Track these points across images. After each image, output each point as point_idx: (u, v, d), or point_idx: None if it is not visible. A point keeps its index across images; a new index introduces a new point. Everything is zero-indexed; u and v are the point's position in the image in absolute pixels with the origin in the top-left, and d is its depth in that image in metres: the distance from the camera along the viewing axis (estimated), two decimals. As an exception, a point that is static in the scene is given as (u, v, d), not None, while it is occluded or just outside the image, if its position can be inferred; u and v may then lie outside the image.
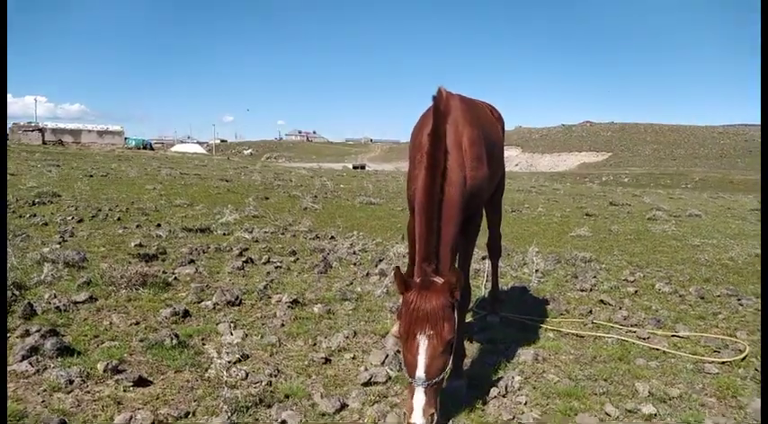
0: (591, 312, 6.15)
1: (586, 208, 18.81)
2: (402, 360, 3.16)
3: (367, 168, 64.91)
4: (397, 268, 3.19)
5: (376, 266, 7.72)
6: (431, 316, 2.98)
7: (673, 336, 5.41)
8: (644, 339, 5.28)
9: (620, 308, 6.34)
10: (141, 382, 3.53)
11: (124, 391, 3.41)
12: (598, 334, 5.36)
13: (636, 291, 7.26)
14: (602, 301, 6.63)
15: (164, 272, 6.32)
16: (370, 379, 3.88)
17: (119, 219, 10.19)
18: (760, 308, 6.43)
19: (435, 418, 3.01)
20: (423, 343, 2.98)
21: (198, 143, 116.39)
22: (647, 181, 59.19)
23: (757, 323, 5.91)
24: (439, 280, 3.16)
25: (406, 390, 3.12)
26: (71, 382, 3.39)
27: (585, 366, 4.55)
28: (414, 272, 3.35)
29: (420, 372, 2.97)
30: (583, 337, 5.30)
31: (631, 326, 5.70)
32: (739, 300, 6.91)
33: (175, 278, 6.23)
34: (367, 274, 7.22)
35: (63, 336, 4.07)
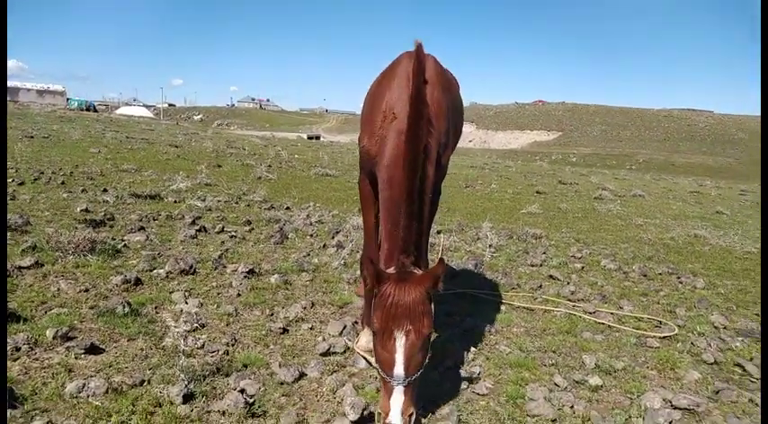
0: (541, 286, 6.35)
1: (537, 186, 19.27)
2: (376, 357, 2.89)
3: (322, 139, 64.19)
4: (370, 259, 2.93)
5: (333, 238, 7.70)
6: (410, 311, 2.75)
7: (617, 311, 5.66)
8: (590, 313, 5.51)
9: (568, 283, 6.57)
10: (93, 349, 3.43)
11: (75, 358, 3.31)
12: (548, 308, 5.56)
13: (583, 267, 7.53)
14: (551, 276, 6.85)
15: (113, 239, 6.10)
16: (329, 349, 3.90)
17: (62, 183, 9.73)
18: (760, 309, 6.78)
19: (413, 417, 2.81)
20: (401, 340, 2.75)
21: (145, 106, 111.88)
22: (594, 161, 61.02)
23: (695, 300, 6.25)
24: (416, 271, 2.96)
25: (381, 388, 2.88)
26: (18, 349, 3.26)
27: (536, 338, 4.72)
28: (384, 258, 3.10)
29: (399, 370, 2.76)
30: (533, 310, 5.48)
31: (578, 301, 5.93)
32: (679, 278, 7.28)
33: (125, 246, 6.04)
34: (324, 245, 7.20)
35: (8, 302, 3.89)
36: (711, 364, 4.43)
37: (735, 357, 4.54)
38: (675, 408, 3.51)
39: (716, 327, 5.36)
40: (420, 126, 2.98)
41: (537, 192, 17.40)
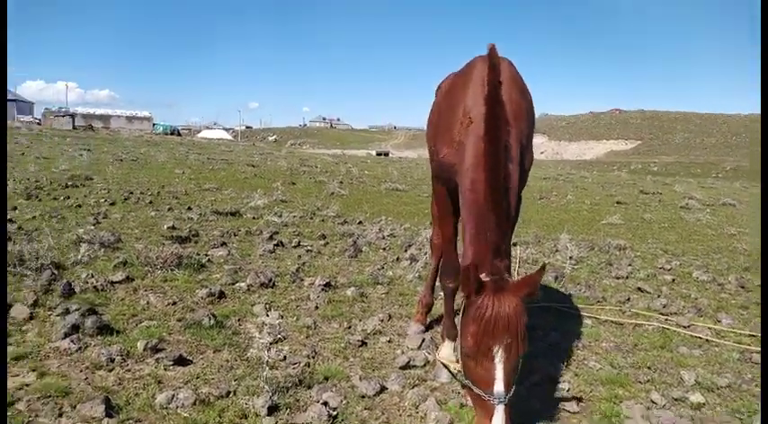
0: (629, 299, 6.01)
1: (617, 197, 18.46)
2: (470, 374, 2.68)
3: (390, 155, 64.74)
4: (474, 265, 2.68)
5: (405, 251, 7.66)
6: (510, 323, 2.55)
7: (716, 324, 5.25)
8: (685, 327, 5.14)
9: (659, 296, 6.18)
10: (181, 361, 3.53)
11: (164, 369, 3.42)
12: (638, 322, 5.23)
13: (673, 279, 7.08)
14: (639, 289, 6.48)
15: (197, 254, 6.35)
16: (408, 362, 3.83)
17: (150, 202, 10.29)
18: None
19: None
20: (501, 354, 2.55)
21: (224, 129, 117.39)
22: (676, 170, 57.94)
23: (804, 314, 5.70)
24: (510, 279, 2.75)
25: (476, 409, 2.70)
26: (112, 360, 3.40)
27: (627, 353, 4.44)
28: (470, 264, 2.83)
29: (499, 386, 2.56)
30: (622, 325, 5.18)
31: (671, 314, 5.55)
32: (783, 290, 6.68)
33: (209, 260, 6.26)
34: (397, 259, 7.17)
35: (102, 315, 4.09)
36: (831, 384, 3.99)
37: None
38: (793, 432, 3.16)
39: (833, 343, 4.84)
40: (498, 126, 2.87)
41: (617, 203, 16.66)
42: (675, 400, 3.61)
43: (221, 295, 5.00)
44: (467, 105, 3.31)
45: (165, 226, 7.95)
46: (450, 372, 3.55)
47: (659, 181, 32.85)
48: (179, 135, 74.67)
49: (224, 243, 7.21)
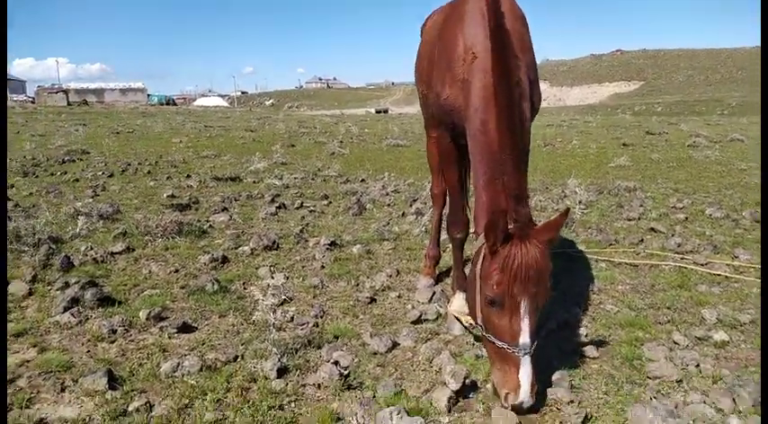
0: (642, 241, 5.85)
1: (623, 139, 18.12)
2: (493, 327, 2.56)
3: (390, 112, 63.93)
4: (503, 212, 2.52)
5: (410, 206, 7.51)
6: (536, 272, 2.44)
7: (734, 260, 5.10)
8: (703, 265, 4.99)
9: (673, 235, 6.02)
10: (186, 328, 3.42)
11: (169, 338, 3.31)
12: (654, 262, 5.09)
13: (686, 218, 6.91)
14: (652, 229, 6.31)
15: (198, 221, 6.21)
16: (420, 317, 3.72)
17: (148, 172, 10.13)
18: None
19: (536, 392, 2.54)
20: (527, 305, 2.46)
21: (219, 96, 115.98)
22: (681, 109, 57.05)
23: (824, 244, 5.54)
24: (534, 225, 2.62)
25: (497, 363, 2.59)
26: (114, 331, 3.30)
27: (645, 295, 4.31)
28: (486, 212, 2.71)
29: (525, 338, 2.47)
30: (637, 266, 5.04)
31: (687, 253, 5.40)
32: (800, 222, 6.50)
33: (210, 226, 6.12)
34: (403, 214, 7.01)
35: (102, 287, 3.97)
36: None
37: None
38: (823, 364, 3.04)
39: None
40: (507, 59, 2.63)
41: (623, 145, 16.34)
42: (698, 339, 3.49)
43: (224, 259, 4.88)
44: (467, 39, 3.05)
45: (165, 195, 7.80)
46: (462, 325, 3.44)
47: (664, 120, 32.30)
48: (174, 104, 73.92)
49: (225, 209, 7.07)
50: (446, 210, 4.61)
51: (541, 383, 2.72)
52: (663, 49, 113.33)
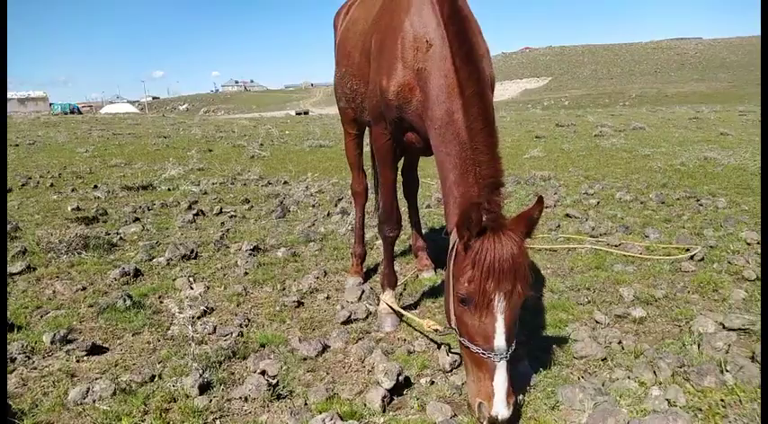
0: (559, 226, 6.07)
1: (535, 132, 18.84)
2: (466, 329, 2.37)
3: (310, 113, 63.35)
4: (478, 205, 2.29)
5: (335, 205, 7.41)
6: (513, 268, 2.24)
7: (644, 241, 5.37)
8: (616, 246, 5.22)
9: (587, 220, 6.28)
10: (96, 349, 3.15)
11: (77, 361, 3.03)
12: (571, 246, 5.27)
13: (598, 202, 7.24)
14: (567, 215, 6.56)
15: (107, 233, 5.81)
16: (350, 317, 3.63)
17: (51, 185, 9.40)
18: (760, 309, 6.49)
19: (513, 403, 2.33)
20: (502, 304, 2.25)
21: (129, 102, 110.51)
22: (586, 102, 60.28)
23: (720, 220, 5.97)
24: (507, 217, 2.43)
25: (471, 370, 2.39)
26: (13, 360, 2.97)
27: (565, 278, 4.44)
28: (460, 206, 2.51)
29: (500, 340, 2.25)
30: (556, 251, 5.20)
31: (601, 235, 5.64)
32: (699, 201, 6.98)
33: (121, 238, 5.74)
34: (328, 214, 6.90)
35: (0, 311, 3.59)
36: (753, 280, 4.16)
37: (778, 272, 4.26)
38: (730, 329, 3.24)
39: (748, 243, 5.08)
40: (468, 44, 2.54)
41: (536, 137, 16.99)
42: (618, 317, 3.62)
43: (137, 273, 4.57)
44: (417, 28, 2.85)
45: (69, 208, 7.25)
46: (396, 312, 3.39)
47: (572, 113, 33.92)
48: (80, 113, 69.46)
49: (137, 219, 6.66)
50: (370, 207, 4.56)
51: (520, 392, 2.60)
52: (567, 46, 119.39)
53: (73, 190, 8.82)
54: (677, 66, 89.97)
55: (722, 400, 2.56)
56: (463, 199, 2.53)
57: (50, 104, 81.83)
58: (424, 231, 5.30)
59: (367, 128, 4.43)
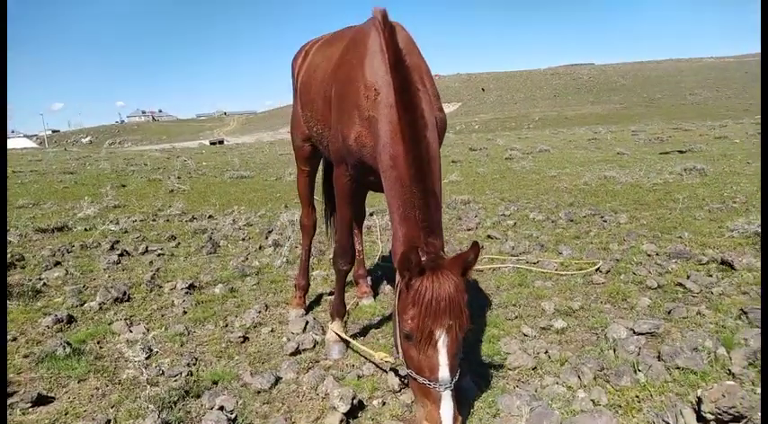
0: (483, 247, 6.48)
1: (450, 156, 19.66)
2: (412, 362, 2.53)
3: (226, 142, 62.17)
4: (416, 248, 2.49)
5: (266, 238, 7.47)
6: (452, 304, 2.41)
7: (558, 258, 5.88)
8: (534, 263, 5.69)
9: (507, 240, 6.75)
10: (41, 400, 3.08)
11: (23, 414, 2.96)
12: (495, 266, 5.67)
13: (515, 223, 7.77)
14: (489, 236, 7.02)
15: (29, 280, 5.56)
16: (298, 347, 3.76)
17: (-50, 231, 8.76)
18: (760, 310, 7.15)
19: None
20: (444, 338, 2.42)
21: (25, 136, 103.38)
22: (495, 126, 63.42)
23: (623, 234, 6.62)
24: (446, 258, 2.58)
25: (419, 399, 2.55)
26: (-49, 419, 2.86)
27: (493, 295, 4.80)
28: (403, 245, 2.66)
29: (444, 372, 2.43)
30: (482, 271, 5.58)
31: (520, 254, 6.10)
32: (603, 217, 7.69)
33: (44, 284, 5.51)
34: (260, 247, 6.96)
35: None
36: (656, 288, 4.70)
37: (674, 278, 4.84)
38: (639, 334, 3.68)
39: (649, 255, 5.69)
40: (410, 91, 2.69)
41: (452, 161, 17.77)
42: (543, 329, 4.00)
43: (70, 319, 4.45)
44: (368, 77, 3.03)
45: (-21, 255, 6.84)
46: (344, 341, 3.56)
47: (483, 137, 35.68)
48: (-31, 149, 64.21)
49: (58, 263, 6.40)
50: (319, 240, 4.72)
51: (464, 415, 2.75)
52: (474, 73, 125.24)
53: (-22, 236, 8.28)
54: (574, 90, 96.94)
55: (637, 396, 2.94)
56: (405, 240, 2.70)
57: (-69, 142, 74.97)
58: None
59: (320, 166, 4.65)
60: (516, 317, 4.26)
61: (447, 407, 2.43)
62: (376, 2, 3.14)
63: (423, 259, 2.50)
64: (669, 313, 4.09)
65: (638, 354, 3.39)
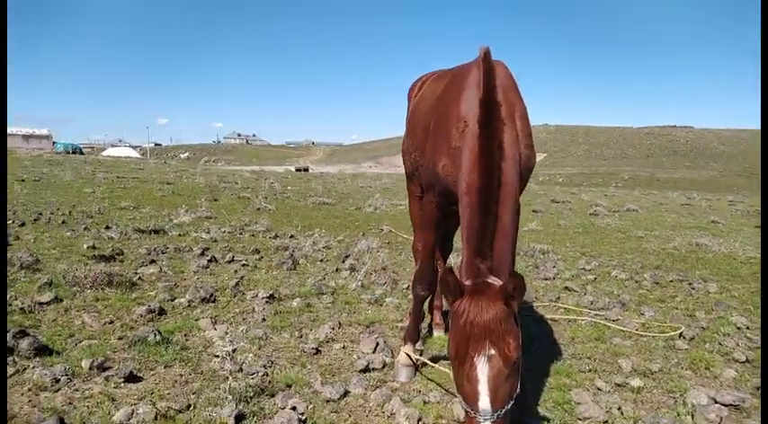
0: (559, 298, 6.35)
1: (532, 205, 19.40)
2: (457, 387, 2.47)
3: (310, 170, 64.37)
4: (451, 268, 2.49)
5: (343, 262, 7.68)
6: (491, 331, 2.33)
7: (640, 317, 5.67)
8: (614, 320, 5.51)
9: (585, 294, 6.58)
10: (132, 378, 3.36)
11: (115, 387, 3.24)
12: (571, 317, 5.55)
13: (595, 278, 7.56)
14: (567, 288, 6.86)
15: (126, 272, 6.04)
16: (367, 366, 3.86)
17: (63, 222, 9.65)
18: (760, 313, 6.80)
19: None
20: (484, 366, 2.33)
21: (131, 146, 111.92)
22: (580, 181, 61.72)
23: (711, 304, 6.28)
24: (495, 282, 2.52)
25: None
26: (57, 380, 3.18)
27: (567, 346, 4.70)
28: (461, 269, 2.68)
29: (484, 403, 2.31)
30: (557, 321, 5.47)
31: (599, 309, 5.92)
32: (691, 284, 7.32)
33: (140, 278, 5.97)
34: (337, 269, 7.17)
35: (36, 336, 3.81)
36: (743, 362, 4.43)
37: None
38: (722, 404, 3.49)
39: (738, 327, 5.37)
40: (492, 124, 2.72)
41: (534, 211, 17.53)
42: (617, 385, 3.87)
43: (161, 311, 4.80)
44: (461, 110, 3.15)
45: (85, 246, 7.49)
46: (414, 366, 3.61)
47: (566, 190, 34.85)
48: (82, 153, 70.29)
49: (153, 261, 6.91)
50: (393, 270, 4.84)
51: None
52: (563, 125, 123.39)
53: (85, 229, 9.06)
54: (669, 153, 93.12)
55: (714, 465, 2.80)
56: (462, 263, 2.70)
57: (53, 143, 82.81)
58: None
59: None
60: (590, 370, 4.15)
61: None
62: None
63: (468, 282, 2.49)
64: (758, 388, 3.84)
65: (720, 423, 3.22)
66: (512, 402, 2.41)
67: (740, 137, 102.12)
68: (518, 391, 2.48)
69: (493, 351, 2.33)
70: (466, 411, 2.40)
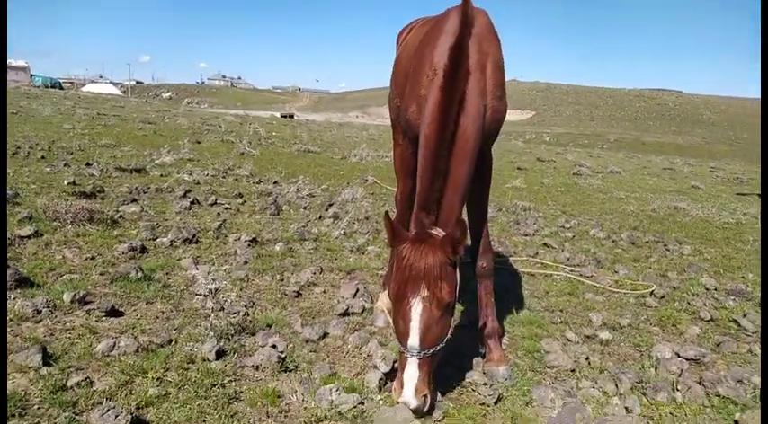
0: (537, 253, 6.49)
1: (517, 163, 19.45)
2: (392, 326, 2.68)
3: (296, 117, 63.44)
4: (387, 213, 2.66)
5: (326, 210, 7.71)
6: (426, 275, 2.49)
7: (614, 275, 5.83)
8: (588, 277, 5.66)
9: (563, 250, 6.72)
10: (114, 312, 3.40)
11: (97, 321, 3.28)
12: (548, 272, 5.68)
13: (573, 236, 7.70)
14: (545, 244, 6.99)
15: (108, 210, 6.00)
16: (347, 310, 3.95)
17: (43, 158, 9.48)
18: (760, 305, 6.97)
19: (428, 401, 2.57)
20: (416, 306, 2.50)
21: (111, 83, 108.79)
22: (567, 141, 61.79)
23: (684, 265, 6.47)
24: (438, 233, 2.65)
25: (399, 362, 2.68)
26: (38, 312, 3.21)
27: (541, 299, 4.84)
28: (412, 218, 2.80)
29: (413, 340, 2.51)
30: (534, 275, 5.60)
31: (575, 266, 6.07)
32: (666, 246, 7.50)
33: (121, 217, 5.94)
34: (320, 217, 7.20)
35: (17, 268, 3.81)
36: (708, 320, 4.61)
37: (729, 314, 4.73)
38: (684, 358, 3.66)
39: (707, 288, 5.56)
40: (456, 76, 2.68)
41: (518, 168, 17.59)
42: (587, 337, 4.02)
43: (143, 249, 4.81)
44: (433, 58, 3.04)
45: (65, 182, 7.40)
46: (387, 317, 3.71)
47: (552, 150, 34.92)
48: (61, 88, 68.24)
49: (134, 200, 6.86)
50: (376, 220, 4.87)
51: (434, 393, 2.74)
52: (553, 83, 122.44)
53: (65, 165, 8.92)
54: (656, 116, 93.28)
55: (671, 412, 2.96)
56: (413, 213, 2.82)
57: (31, 75, 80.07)
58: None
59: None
60: (561, 322, 4.29)
61: (409, 374, 2.52)
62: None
63: (412, 231, 2.66)
64: (718, 345, 4.03)
65: (680, 375, 3.38)
66: (441, 344, 2.60)
67: (727, 105, 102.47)
68: (449, 335, 2.66)
69: (426, 293, 2.50)
70: (399, 350, 2.60)
